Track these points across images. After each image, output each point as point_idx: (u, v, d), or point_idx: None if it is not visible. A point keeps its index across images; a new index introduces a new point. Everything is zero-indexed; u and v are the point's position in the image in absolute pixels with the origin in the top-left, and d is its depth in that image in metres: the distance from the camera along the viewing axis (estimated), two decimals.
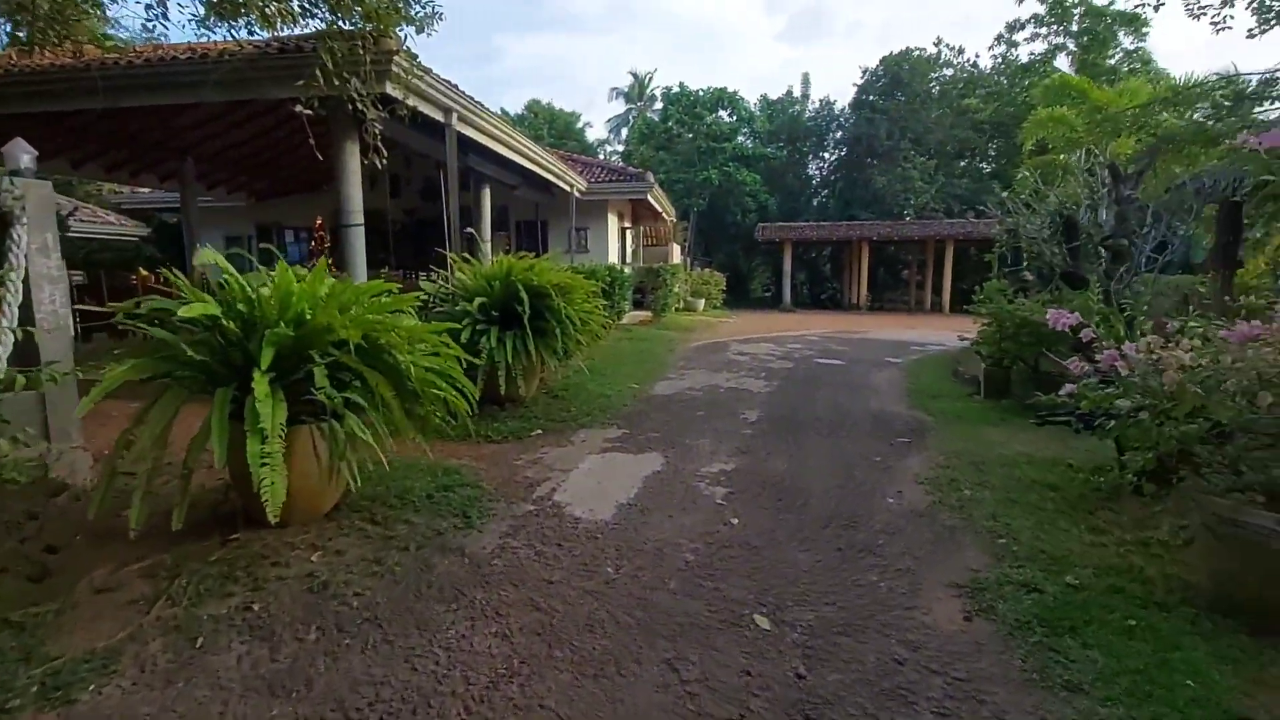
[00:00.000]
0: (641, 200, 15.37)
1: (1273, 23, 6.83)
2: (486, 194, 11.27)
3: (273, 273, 3.75)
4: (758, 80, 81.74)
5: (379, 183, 16.37)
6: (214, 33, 6.06)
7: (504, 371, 5.68)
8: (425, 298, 7.43)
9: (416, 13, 6.08)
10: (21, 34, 6.33)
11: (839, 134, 31.31)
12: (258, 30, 5.81)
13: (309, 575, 3.07)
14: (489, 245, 11.44)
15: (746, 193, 27.72)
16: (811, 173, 33.64)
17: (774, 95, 33.99)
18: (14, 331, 3.18)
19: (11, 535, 3.16)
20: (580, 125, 40.25)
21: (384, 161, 5.95)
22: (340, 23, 5.59)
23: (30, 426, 3.43)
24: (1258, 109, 7.24)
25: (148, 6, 6.10)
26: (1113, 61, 26.87)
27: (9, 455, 3.04)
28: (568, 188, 12.95)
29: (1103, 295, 7.13)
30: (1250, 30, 6.99)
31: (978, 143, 29.58)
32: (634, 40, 79.10)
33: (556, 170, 11.75)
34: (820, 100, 31.87)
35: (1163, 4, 7.45)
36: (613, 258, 15.37)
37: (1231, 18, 6.92)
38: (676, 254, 21.03)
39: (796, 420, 6.42)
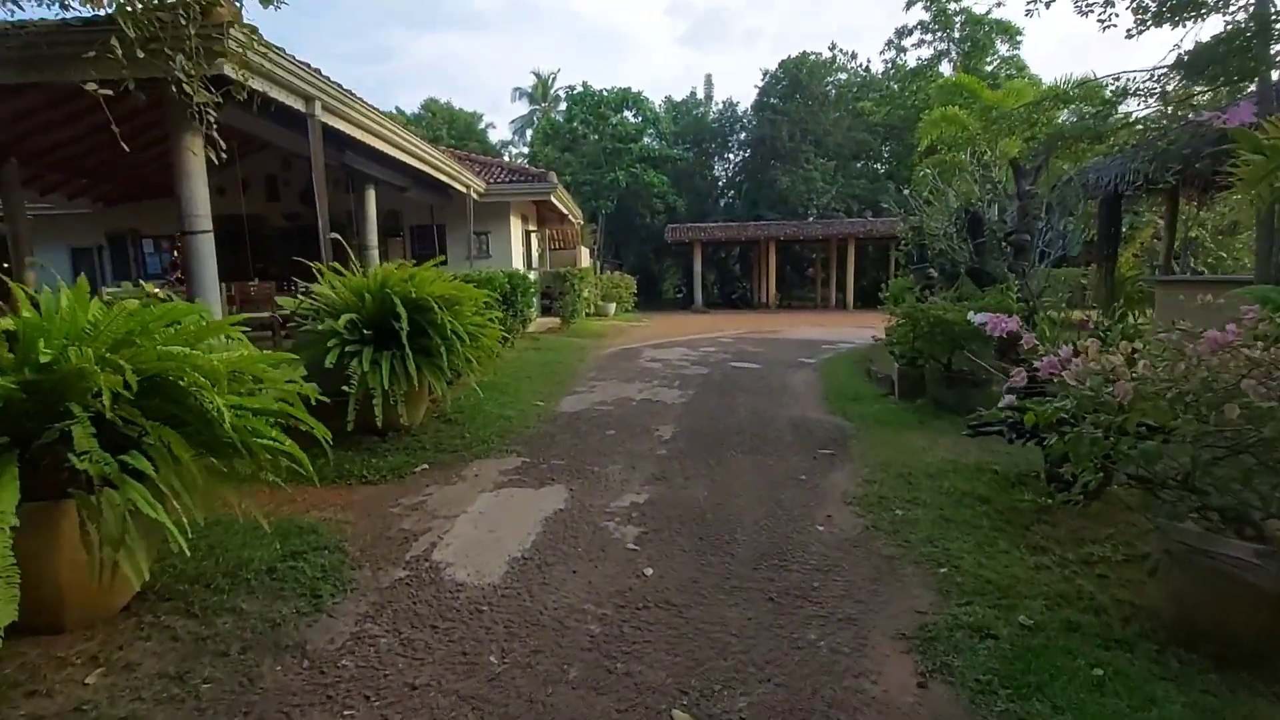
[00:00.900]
0: (546, 202, 14.65)
1: (1149, 23, 7.01)
2: (371, 196, 10.23)
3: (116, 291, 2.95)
4: (661, 83, 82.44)
5: (252, 185, 14.89)
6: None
7: (380, 398, 4.88)
8: (284, 315, 6.47)
9: None
10: None
11: (743, 135, 31.69)
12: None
13: (78, 709, 2.24)
14: (375, 252, 10.42)
15: (655, 194, 27.49)
16: (718, 174, 33.92)
17: (678, 98, 34.09)
18: None
19: None
20: (483, 126, 38.88)
21: (222, 155, 5.00)
22: None
23: None
24: (1138, 106, 7.47)
25: None
26: (991, 67, 28.56)
27: None
28: (464, 189, 12.06)
29: (1019, 290, 7.12)
30: (1129, 30, 7.16)
31: (873, 144, 30.71)
32: (537, 40, 77.72)
33: (449, 170, 10.86)
34: (724, 102, 32.20)
35: (1053, 1, 7.56)
36: (517, 263, 14.56)
37: (1116, 15, 7.06)
38: (586, 257, 20.43)
39: (715, 435, 5.96)
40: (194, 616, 2.82)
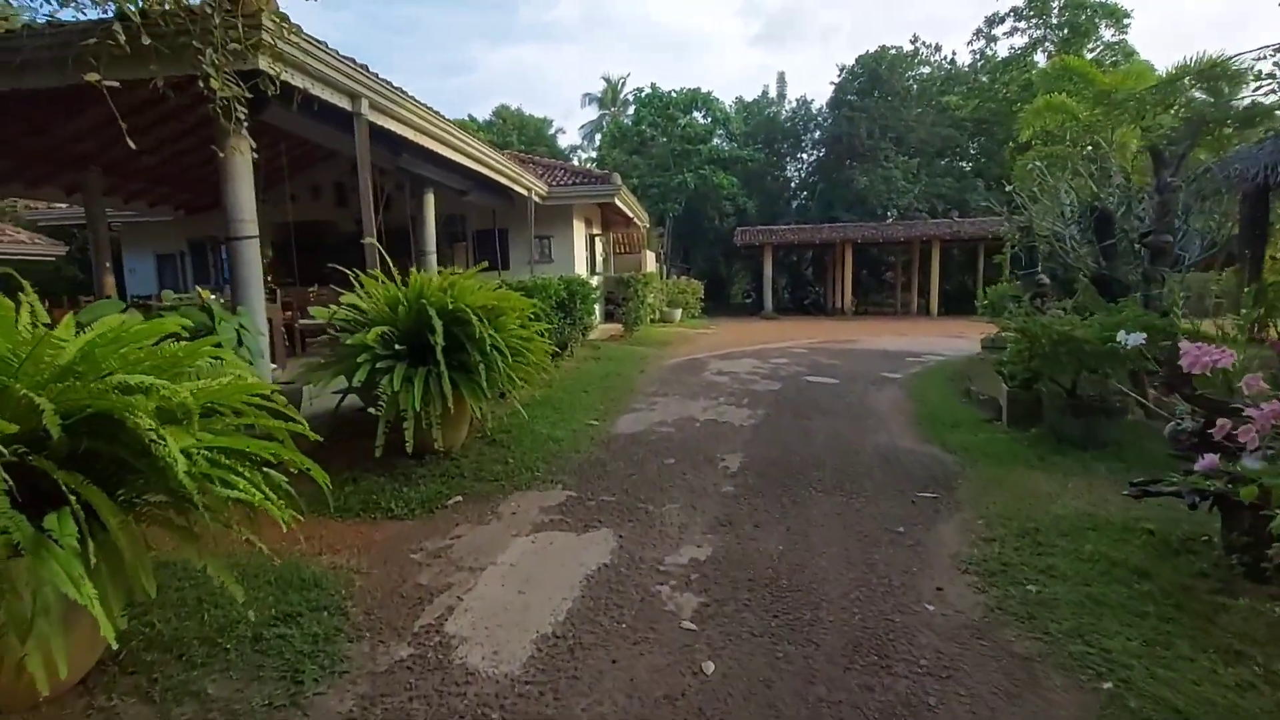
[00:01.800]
0: (610, 205, 14.14)
1: None
2: (430, 200, 9.95)
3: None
4: (733, 84, 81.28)
5: (323, 191, 15.07)
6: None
7: (412, 421, 4.37)
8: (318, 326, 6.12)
9: None
10: None
11: (817, 134, 30.37)
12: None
13: None
14: (433, 258, 10.13)
15: (724, 196, 26.62)
16: (790, 174, 32.67)
17: (750, 98, 33.08)
18: None
19: None
20: (552, 132, 39.05)
21: (256, 154, 4.65)
22: None
23: None
24: None
25: None
26: (1092, 54, 26.20)
27: None
28: (525, 192, 11.66)
29: (1143, 301, 6.00)
30: None
31: (959, 140, 28.79)
32: (609, 48, 78.21)
33: (508, 172, 10.46)
34: (797, 100, 30.96)
35: None
36: (580, 268, 14.09)
37: None
38: (651, 261, 19.82)
39: (790, 467, 5.17)
40: (151, 701, 2.32)
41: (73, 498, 1.95)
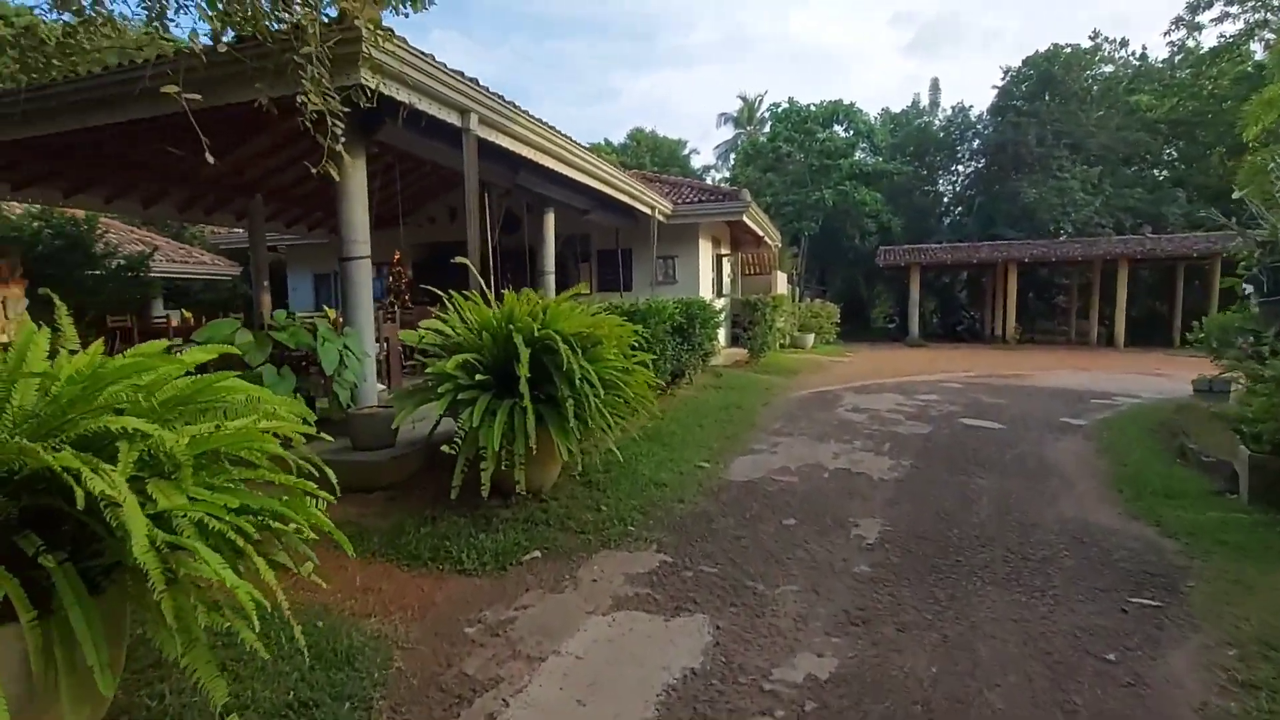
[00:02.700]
0: (738, 223, 13.37)
1: None
2: (550, 220, 9.77)
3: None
4: (879, 96, 77.61)
5: (459, 213, 15.63)
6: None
7: (491, 460, 3.88)
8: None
9: None
10: None
11: (976, 144, 27.67)
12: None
13: None
14: (552, 278, 9.91)
15: (866, 213, 24.85)
16: (942, 189, 30.08)
17: (898, 109, 30.97)
18: None
19: None
20: (686, 153, 38.98)
21: (336, 173, 4.44)
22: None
23: None
24: None
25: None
26: None
27: None
28: (648, 210, 11.22)
29: None
30: None
31: (1151, 145, 24.94)
32: (748, 68, 77.75)
33: (630, 190, 10.05)
34: (953, 108, 28.44)
35: None
36: (705, 289, 13.42)
37: None
38: (782, 283, 18.71)
39: (946, 543, 4.11)
40: None
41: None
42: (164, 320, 10.31)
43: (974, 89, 71.24)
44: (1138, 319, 21.13)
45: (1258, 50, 23.61)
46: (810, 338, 16.80)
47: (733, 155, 35.59)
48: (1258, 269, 6.13)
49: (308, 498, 2.40)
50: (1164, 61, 26.27)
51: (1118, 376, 12.34)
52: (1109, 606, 3.28)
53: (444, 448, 3.90)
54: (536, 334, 4.06)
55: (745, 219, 12.41)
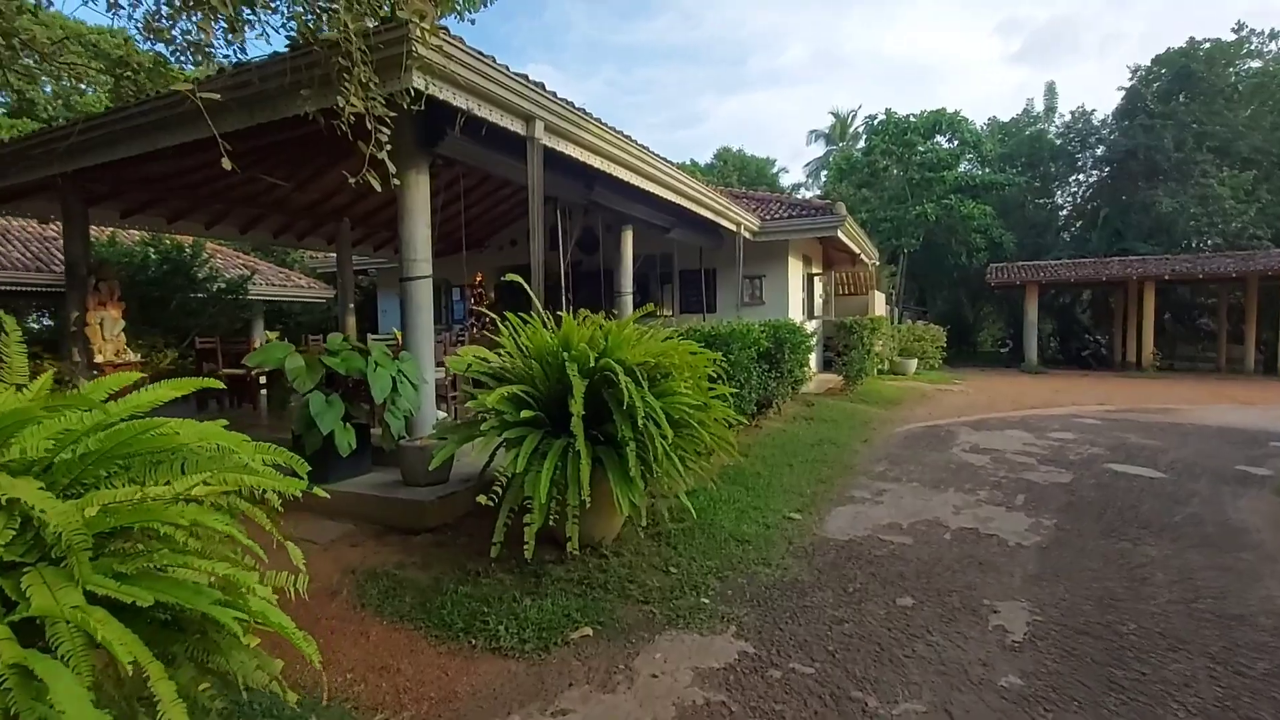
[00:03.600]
0: (832, 239, 12.38)
1: None
2: (628, 237, 9.24)
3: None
4: (983, 107, 73.48)
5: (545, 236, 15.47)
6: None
7: (537, 515, 3.26)
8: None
9: None
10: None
11: (1099, 151, 25.12)
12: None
13: None
14: (629, 299, 9.36)
15: (973, 228, 22.93)
16: (1060, 201, 27.52)
17: (1007, 118, 28.75)
18: None
19: None
20: (775, 171, 37.93)
21: (392, 181, 4.03)
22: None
23: None
24: None
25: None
26: None
27: None
28: (733, 226, 10.49)
29: None
30: None
31: None
32: (840, 85, 75.91)
33: (714, 205, 9.37)
34: (1072, 113, 26.00)
35: None
36: (795, 311, 12.48)
37: None
38: (880, 304, 17.37)
39: (1119, 641, 3.10)
40: None
41: None
42: (245, 342, 10.54)
43: (1090, 96, 65.99)
44: None
45: None
46: (912, 363, 15.38)
47: (824, 172, 34.26)
48: None
49: (268, 579, 1.85)
50: None
51: None
52: None
53: (480, 498, 3.32)
54: (594, 364, 3.42)
55: (839, 234, 11.42)
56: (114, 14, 4.22)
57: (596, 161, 6.36)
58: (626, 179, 6.99)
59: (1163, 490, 5.79)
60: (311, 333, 13.96)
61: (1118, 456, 7.07)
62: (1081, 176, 26.57)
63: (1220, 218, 20.24)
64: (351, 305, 11.87)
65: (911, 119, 24.45)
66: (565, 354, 3.56)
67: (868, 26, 77.44)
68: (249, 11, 4.50)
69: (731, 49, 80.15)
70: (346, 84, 3.78)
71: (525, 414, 3.39)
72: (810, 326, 11.15)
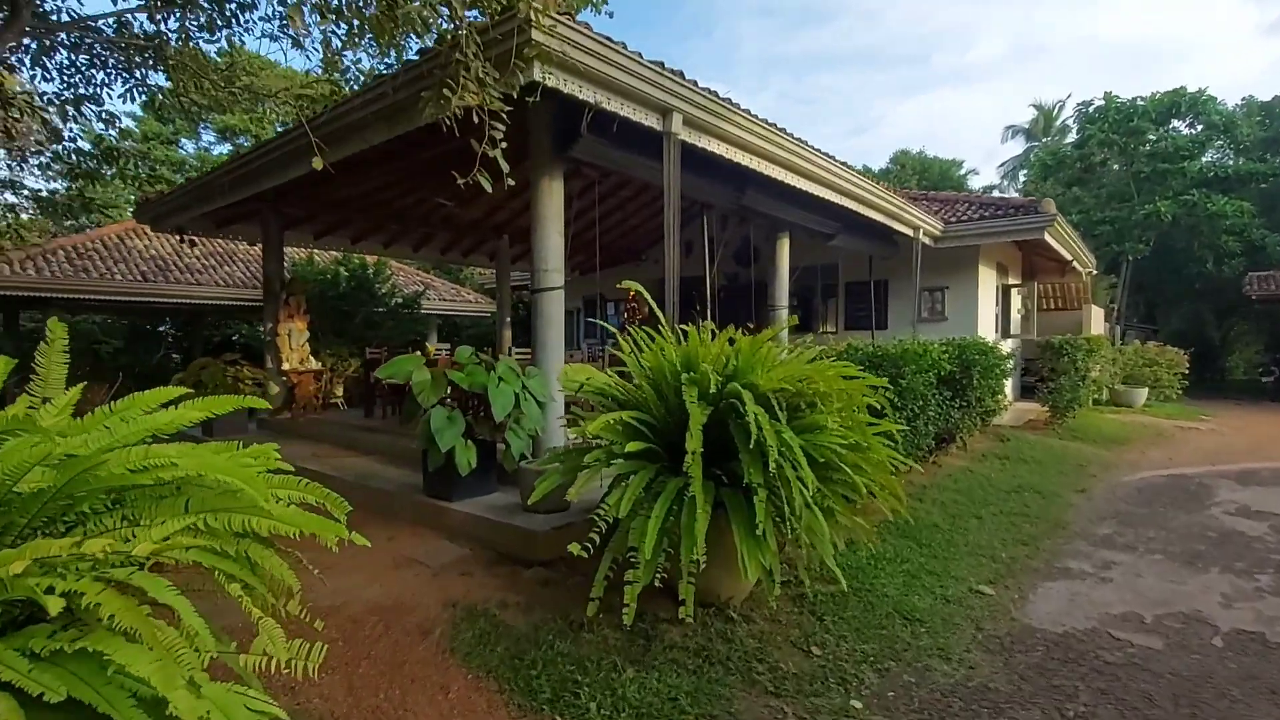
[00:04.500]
0: (1035, 243, 10.50)
1: None
2: (784, 246, 8.42)
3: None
4: (1234, 87, 61.64)
5: (695, 246, 15.01)
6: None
7: (644, 573, 2.67)
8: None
9: None
10: None
11: None
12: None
13: None
14: (784, 313, 8.52)
15: (1224, 228, 18.75)
16: None
17: (1268, 95, 23.41)
18: None
19: None
20: (962, 173, 34.36)
21: (506, 182, 3.67)
22: None
23: None
24: None
25: None
26: None
27: None
28: (910, 231, 9.21)
29: None
30: None
31: None
32: (1039, 77, 67.84)
33: (886, 205, 8.22)
34: None
35: None
36: (985, 328, 10.75)
37: None
38: (1098, 320, 14.62)
39: None
40: None
41: None
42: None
43: None
44: None
45: None
46: (1141, 393, 12.65)
47: (1023, 172, 30.42)
48: None
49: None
50: None
51: None
52: None
53: (573, 548, 2.78)
54: (717, 388, 2.76)
55: (1046, 237, 9.59)
56: (302, 52, 4.38)
57: (745, 159, 5.69)
58: (781, 178, 6.23)
59: None
60: (477, 344, 14.70)
61: None
62: None
63: None
64: (508, 319, 12.20)
65: (1139, 103, 20.70)
66: (684, 375, 2.93)
67: (1073, 10, 68.28)
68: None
69: (914, 46, 74.88)
70: (465, 77, 3.51)
71: (634, 445, 2.81)
72: (1005, 346, 9.46)
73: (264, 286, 8.60)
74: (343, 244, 10.80)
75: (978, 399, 6.76)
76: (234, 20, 6.93)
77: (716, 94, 4.99)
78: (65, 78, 7.78)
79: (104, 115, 8.11)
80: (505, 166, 3.55)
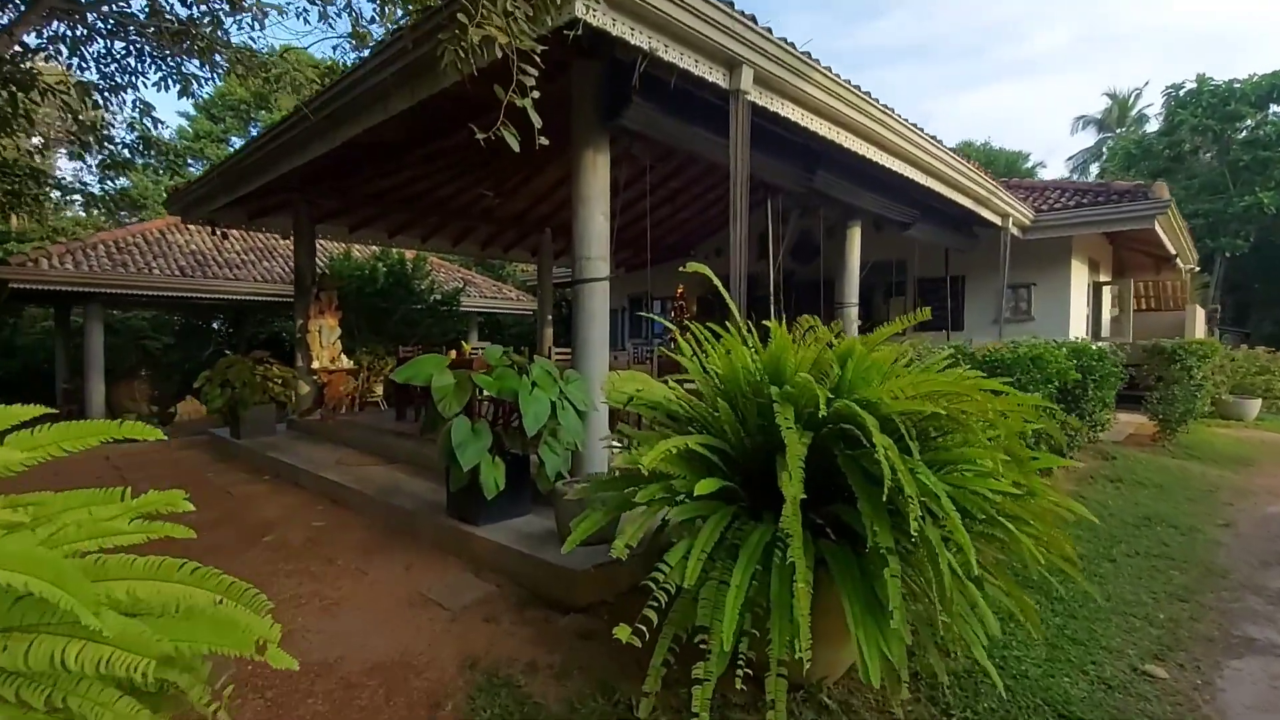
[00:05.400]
0: (1135, 236, 9.31)
1: None
2: (855, 235, 7.53)
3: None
4: None
5: (753, 243, 14.12)
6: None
7: (718, 663, 1.91)
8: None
9: None
10: None
11: None
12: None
13: None
14: (854, 310, 7.63)
15: None
16: None
17: None
18: None
19: None
20: (1029, 166, 32.44)
21: (514, 141, 2.95)
22: None
23: None
24: None
25: None
26: None
27: None
28: (997, 219, 8.19)
29: None
30: None
31: None
32: (1107, 67, 64.20)
33: (977, 188, 7.22)
34: None
35: None
36: (1075, 329, 9.60)
37: None
38: (1200, 322, 13.16)
39: None
40: None
41: None
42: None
43: None
44: None
45: None
46: (1254, 404, 11.22)
47: (1095, 165, 28.46)
48: None
49: None
50: None
51: None
52: None
53: (619, 633, 2.03)
54: (821, 412, 1.97)
55: (1155, 227, 8.42)
56: (325, 24, 3.79)
57: (822, 128, 4.85)
58: (863, 152, 5.36)
59: None
60: (518, 344, 14.17)
61: None
62: None
63: None
64: (550, 317, 11.58)
65: (1236, 85, 18.90)
66: (774, 389, 2.15)
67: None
68: None
69: (971, 38, 71.99)
70: (492, 11, 2.80)
71: (706, 485, 2.04)
72: (1110, 356, 8.33)
73: (295, 281, 8.15)
74: (379, 238, 10.34)
75: (1092, 411, 5.76)
76: None
77: (794, 45, 4.18)
78: (102, 66, 7.48)
79: (139, 104, 7.80)
80: (538, 121, 2.83)
